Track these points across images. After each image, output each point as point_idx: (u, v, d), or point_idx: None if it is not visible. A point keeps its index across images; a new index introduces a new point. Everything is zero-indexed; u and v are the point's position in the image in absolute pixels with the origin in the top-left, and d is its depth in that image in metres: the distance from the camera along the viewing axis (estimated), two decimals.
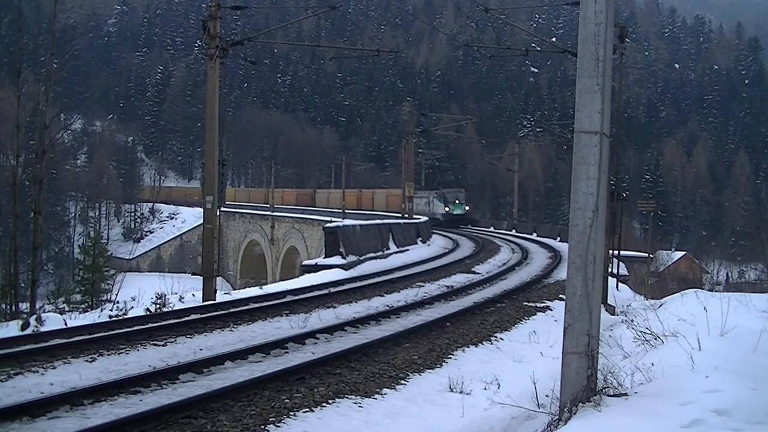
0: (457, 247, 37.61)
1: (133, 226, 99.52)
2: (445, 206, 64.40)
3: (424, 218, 47.29)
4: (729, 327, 8.29)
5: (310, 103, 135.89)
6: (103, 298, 32.68)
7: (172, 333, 12.57)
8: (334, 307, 16.42)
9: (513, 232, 54.44)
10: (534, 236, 48.03)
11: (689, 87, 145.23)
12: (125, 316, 16.03)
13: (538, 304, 17.31)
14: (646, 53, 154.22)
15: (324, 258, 26.42)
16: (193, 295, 20.84)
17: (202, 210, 21.15)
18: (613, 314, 17.57)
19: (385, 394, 9.04)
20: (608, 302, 18.67)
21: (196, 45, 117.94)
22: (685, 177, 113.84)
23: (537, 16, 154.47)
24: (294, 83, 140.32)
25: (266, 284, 30.54)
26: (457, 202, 65.11)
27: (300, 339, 11.94)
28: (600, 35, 6.76)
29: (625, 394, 6.67)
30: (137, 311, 17.20)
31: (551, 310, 16.60)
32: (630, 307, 18.84)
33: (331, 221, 34.67)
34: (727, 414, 5.60)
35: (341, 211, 57.24)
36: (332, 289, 19.48)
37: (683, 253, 75.97)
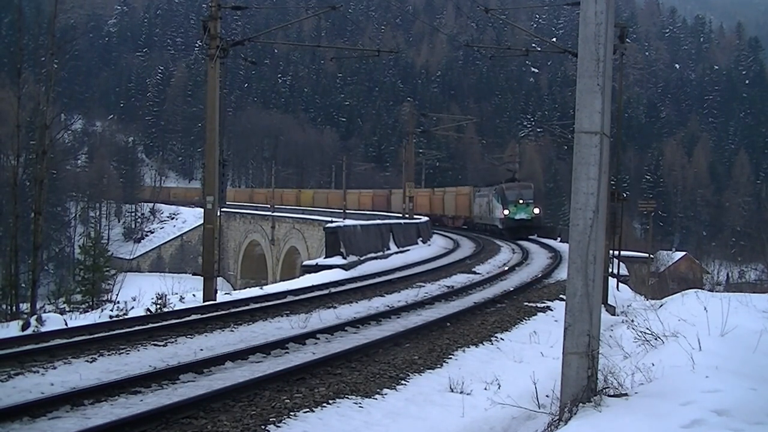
0: (457, 248, 37.61)
1: (133, 226, 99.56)
2: (504, 208, 45.43)
3: (424, 218, 47.22)
4: (729, 327, 8.29)
5: (311, 104, 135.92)
6: (104, 299, 32.67)
7: (173, 333, 12.58)
8: (335, 308, 16.42)
9: None
10: (534, 236, 48.04)
11: (689, 87, 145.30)
12: (126, 317, 16.02)
13: (538, 305, 17.31)
14: (647, 53, 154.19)
15: (324, 258, 26.44)
16: (193, 295, 20.86)
17: (202, 210, 21.16)
18: (614, 314, 17.56)
19: (386, 394, 9.04)
20: (609, 302, 18.68)
21: (197, 45, 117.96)
22: (685, 177, 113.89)
23: (537, 16, 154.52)
24: (294, 83, 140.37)
25: (267, 284, 30.56)
26: (520, 202, 45.28)
27: (300, 339, 11.94)
28: (600, 35, 6.76)
29: (626, 395, 6.67)
30: (138, 311, 17.19)
31: (552, 310, 16.61)
32: (630, 308, 18.83)
33: (331, 221, 34.70)
34: (727, 414, 5.60)
35: (342, 211, 57.21)
36: (333, 290, 19.47)
37: (683, 253, 76.03)
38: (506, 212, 44.51)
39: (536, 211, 45.39)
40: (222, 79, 20.36)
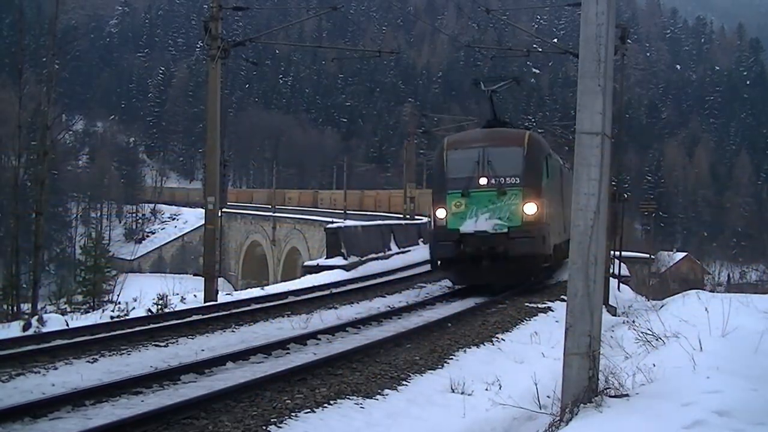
0: None
1: (134, 226, 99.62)
2: (438, 205, 18.28)
3: (424, 219, 47.13)
4: (730, 328, 8.28)
5: (312, 104, 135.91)
6: (105, 299, 32.73)
7: (174, 334, 12.59)
8: (336, 308, 16.43)
9: None
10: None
11: (690, 88, 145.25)
12: (127, 317, 16.07)
13: (539, 305, 17.27)
14: (648, 54, 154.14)
15: (325, 259, 26.44)
16: (194, 295, 20.87)
17: (203, 210, 21.18)
18: (615, 315, 17.55)
19: (387, 394, 9.03)
20: (610, 303, 18.64)
21: (198, 46, 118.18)
22: (686, 178, 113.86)
23: (538, 16, 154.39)
24: (295, 84, 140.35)
25: (268, 285, 30.55)
26: (481, 184, 17.66)
27: (301, 340, 11.94)
28: (601, 36, 6.76)
29: (627, 395, 6.67)
30: (139, 312, 17.22)
31: (552, 311, 16.58)
32: (631, 308, 18.85)
33: (332, 222, 34.71)
34: (728, 415, 5.60)
35: (343, 211, 57.17)
36: (334, 290, 19.50)
37: (684, 254, 75.97)
38: (441, 215, 18.16)
39: (530, 210, 17.63)
40: (223, 79, 20.42)
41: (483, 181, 17.62)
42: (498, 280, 17.99)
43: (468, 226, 17.53)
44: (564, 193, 21.82)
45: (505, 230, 17.39)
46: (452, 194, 17.84)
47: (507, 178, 17.57)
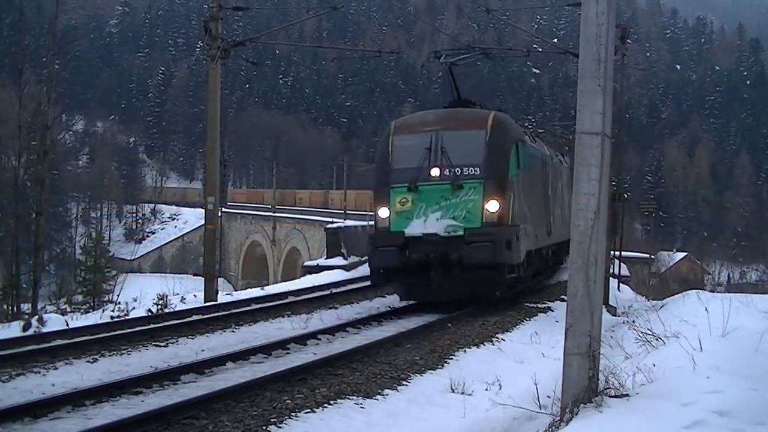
0: None
1: (134, 226, 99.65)
2: (380, 203, 15.17)
3: None
4: (730, 328, 8.28)
5: (312, 104, 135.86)
6: (105, 299, 32.73)
7: (174, 334, 12.59)
8: (336, 308, 16.43)
9: None
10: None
11: (691, 88, 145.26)
12: (127, 317, 16.08)
13: (539, 305, 17.26)
14: (648, 54, 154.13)
15: (326, 259, 26.48)
16: (194, 296, 20.88)
17: (203, 211, 21.19)
18: (615, 315, 17.56)
19: (387, 394, 9.03)
20: (610, 303, 18.65)
21: (198, 46, 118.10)
22: (686, 178, 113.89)
23: (538, 17, 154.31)
24: (295, 84, 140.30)
25: (268, 285, 30.57)
26: (433, 175, 14.64)
27: (302, 340, 11.94)
28: (602, 36, 6.76)
29: (627, 395, 6.67)
30: (139, 312, 17.24)
31: (552, 311, 16.57)
32: (631, 308, 18.84)
33: (332, 222, 34.70)
34: (728, 415, 5.60)
35: (343, 211, 57.15)
36: (334, 290, 19.52)
37: (685, 254, 76.03)
38: (384, 214, 15.06)
39: (492, 208, 14.46)
40: (223, 79, 20.43)
41: (435, 172, 14.58)
42: (451, 294, 14.76)
43: (415, 228, 14.44)
44: (550, 189, 20.02)
45: (461, 233, 14.23)
46: (397, 189, 14.69)
47: (465, 169, 14.47)
